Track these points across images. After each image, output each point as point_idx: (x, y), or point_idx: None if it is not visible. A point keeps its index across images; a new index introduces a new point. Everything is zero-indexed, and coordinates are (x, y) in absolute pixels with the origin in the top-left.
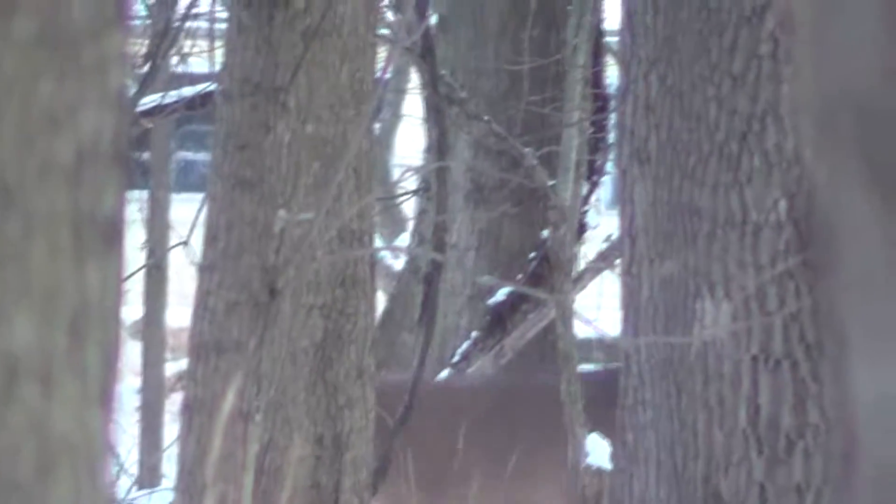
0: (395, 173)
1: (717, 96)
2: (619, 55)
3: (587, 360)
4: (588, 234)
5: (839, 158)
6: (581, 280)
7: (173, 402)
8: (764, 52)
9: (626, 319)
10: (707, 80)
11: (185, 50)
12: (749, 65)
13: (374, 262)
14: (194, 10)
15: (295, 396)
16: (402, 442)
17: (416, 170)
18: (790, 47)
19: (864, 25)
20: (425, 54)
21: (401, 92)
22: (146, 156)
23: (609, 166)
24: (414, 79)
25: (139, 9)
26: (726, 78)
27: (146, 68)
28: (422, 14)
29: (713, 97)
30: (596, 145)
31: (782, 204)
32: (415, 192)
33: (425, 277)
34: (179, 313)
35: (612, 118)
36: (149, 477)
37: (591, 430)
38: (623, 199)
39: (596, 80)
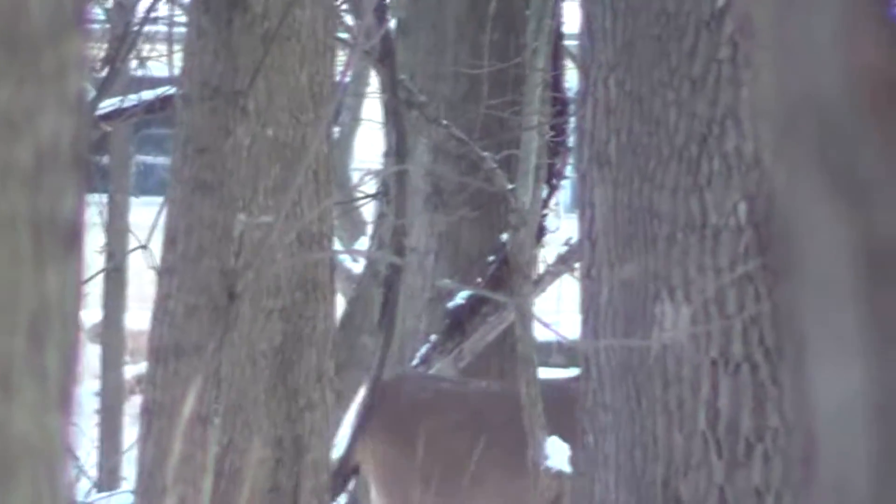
0: (355, 177)
1: (677, 100)
2: (579, 59)
3: (546, 363)
4: (547, 238)
5: (798, 162)
6: (540, 283)
7: (133, 406)
8: (723, 57)
9: (585, 323)
10: (666, 85)
11: (145, 54)
12: (708, 69)
13: (333, 266)
14: (153, 14)
15: (255, 399)
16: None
17: (376, 173)
18: (749, 51)
19: (823, 29)
20: (384, 58)
21: (360, 96)
22: (105, 159)
23: (568, 170)
24: (373, 83)
25: (98, 13)
26: (686, 82)
27: (105, 72)
28: (381, 18)
29: (673, 101)
30: (555, 149)
31: (742, 207)
32: (374, 196)
33: (385, 281)
34: (139, 316)
35: (572, 122)
36: (108, 480)
37: (551, 434)
38: (582, 203)
39: (555, 83)
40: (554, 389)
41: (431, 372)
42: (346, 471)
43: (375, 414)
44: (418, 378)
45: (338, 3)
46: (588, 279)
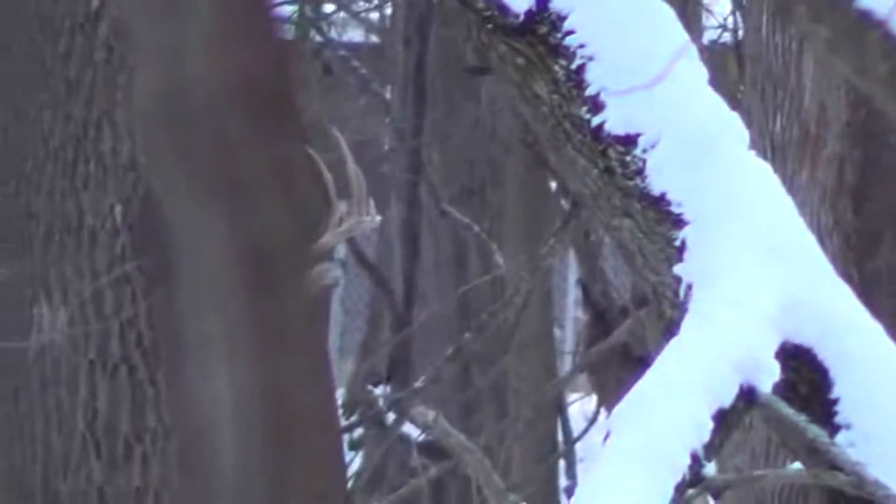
0: None
1: (53, 102)
2: None
3: None
4: None
5: (173, 164)
6: None
7: None
8: (98, 59)
9: None
10: (42, 86)
11: None
12: (84, 71)
13: None
14: None
15: None
16: None
17: None
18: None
19: (195, 31)
20: None
21: None
22: None
23: None
24: None
25: None
26: (61, 84)
27: None
28: None
29: (48, 103)
30: None
31: (118, 209)
32: None
33: None
34: None
35: None
36: None
37: None
38: None
39: None
40: None
41: None
42: None
43: None
44: None
45: None
46: None
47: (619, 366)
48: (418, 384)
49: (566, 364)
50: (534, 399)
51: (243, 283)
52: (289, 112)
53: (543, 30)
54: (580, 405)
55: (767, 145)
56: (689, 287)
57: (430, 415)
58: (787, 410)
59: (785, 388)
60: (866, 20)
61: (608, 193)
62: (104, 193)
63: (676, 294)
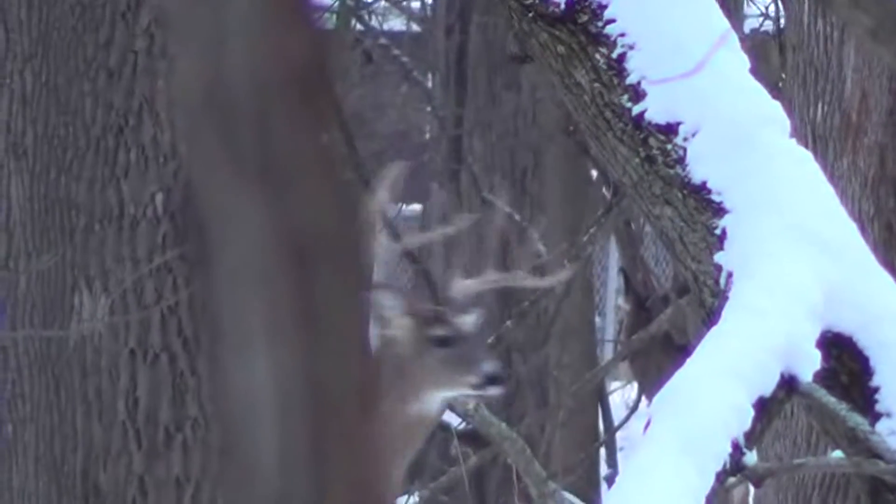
0: None
1: (94, 91)
2: None
3: None
4: None
5: (212, 151)
6: None
7: None
8: (139, 48)
9: (3, 313)
10: (83, 75)
11: None
12: (125, 60)
13: None
14: None
15: None
16: None
17: None
18: (165, 42)
19: (235, 18)
20: None
21: None
22: None
23: None
24: None
25: None
26: (102, 73)
27: None
28: None
29: (89, 92)
30: None
31: (159, 198)
32: None
33: None
34: None
35: None
36: None
37: None
38: None
39: None
40: None
41: None
42: None
43: None
44: None
45: None
46: (5, 270)
47: (660, 354)
48: None
49: (607, 352)
50: (575, 387)
51: (283, 269)
52: (329, 100)
53: (584, 18)
54: (621, 393)
55: (809, 134)
56: (730, 275)
57: (471, 403)
58: (828, 398)
59: (826, 377)
60: None
61: (649, 182)
62: (145, 182)
63: (717, 282)
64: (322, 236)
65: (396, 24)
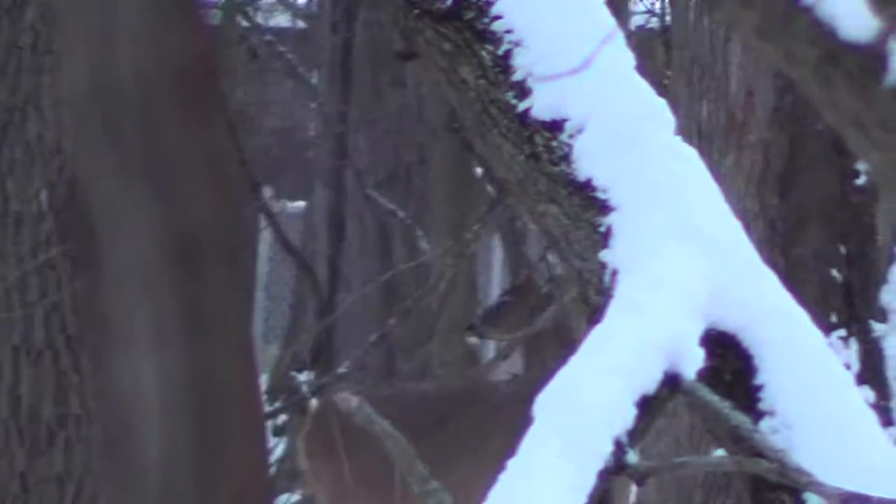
0: None
1: None
2: None
3: None
4: None
5: (97, 150)
6: None
7: None
8: (24, 44)
9: None
10: None
11: None
12: (9, 56)
13: None
14: None
15: None
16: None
17: None
18: (51, 38)
19: (123, 16)
20: None
21: None
22: None
23: None
24: None
25: None
26: None
27: None
28: None
29: None
30: None
31: (43, 195)
32: None
33: None
34: None
35: None
36: None
37: None
38: None
39: None
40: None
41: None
42: None
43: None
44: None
45: None
46: None
47: (553, 351)
48: (342, 370)
49: (490, 350)
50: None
51: (169, 267)
52: (215, 97)
53: (470, 15)
54: None
55: (694, 131)
56: (615, 273)
57: (354, 401)
58: (711, 397)
59: (709, 375)
60: (795, 6)
61: (534, 179)
62: (29, 179)
63: (602, 280)
64: (208, 235)
65: (282, 20)
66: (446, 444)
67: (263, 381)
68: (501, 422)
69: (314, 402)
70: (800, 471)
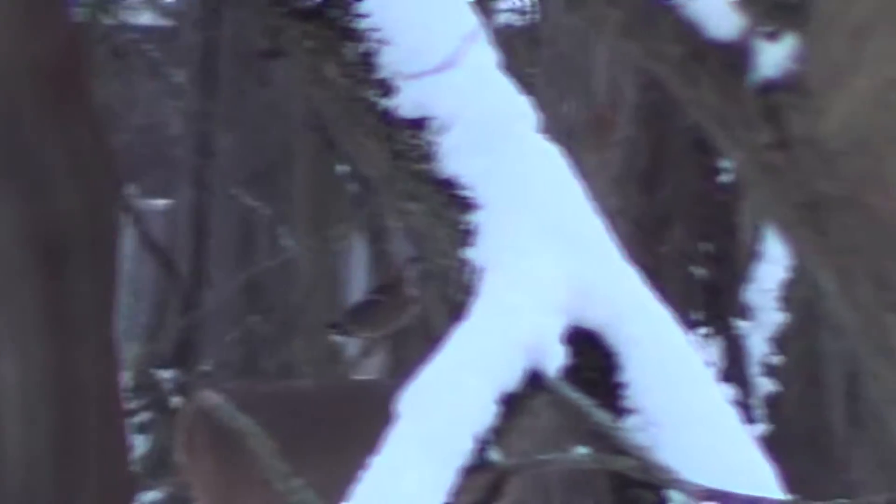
0: None
1: None
2: None
3: None
4: None
5: None
6: None
7: None
8: None
9: None
10: None
11: None
12: None
13: None
14: None
15: None
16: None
17: None
18: None
19: None
20: None
21: None
22: None
23: None
24: None
25: None
26: None
27: None
28: None
29: None
30: None
31: None
32: None
33: None
34: None
35: None
36: None
37: None
38: None
39: None
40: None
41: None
42: None
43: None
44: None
45: None
46: None
47: (413, 351)
48: (205, 367)
49: (353, 349)
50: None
51: (33, 265)
52: (80, 95)
53: (335, 13)
54: None
55: (559, 129)
56: (479, 271)
57: (216, 398)
58: (573, 394)
59: (573, 373)
60: (660, 4)
61: (398, 177)
62: None
63: (465, 278)
64: (72, 233)
65: (146, 18)
66: (331, 441)
67: (126, 378)
68: (383, 419)
69: (179, 400)
70: (662, 468)
